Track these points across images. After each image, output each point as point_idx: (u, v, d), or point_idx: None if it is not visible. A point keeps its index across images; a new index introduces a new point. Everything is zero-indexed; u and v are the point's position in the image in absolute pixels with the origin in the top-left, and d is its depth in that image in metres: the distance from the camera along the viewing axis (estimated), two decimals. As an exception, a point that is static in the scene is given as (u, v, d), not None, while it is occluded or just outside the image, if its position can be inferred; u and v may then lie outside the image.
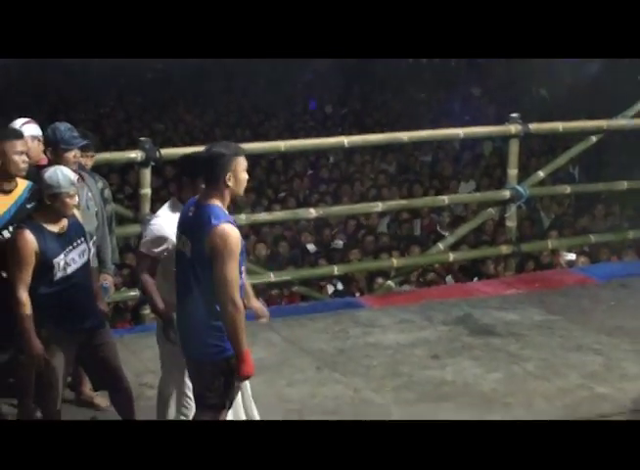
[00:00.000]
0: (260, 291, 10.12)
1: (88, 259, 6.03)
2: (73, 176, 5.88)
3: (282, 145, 9.71)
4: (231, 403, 5.61)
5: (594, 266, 10.89)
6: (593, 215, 13.40)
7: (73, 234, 5.92)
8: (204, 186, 5.49)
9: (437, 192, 13.39)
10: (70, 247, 5.84)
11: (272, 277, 9.23)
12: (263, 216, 10.55)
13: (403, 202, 11.85)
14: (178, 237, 5.51)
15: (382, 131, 11.48)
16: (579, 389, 7.33)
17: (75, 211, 6.12)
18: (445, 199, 11.08)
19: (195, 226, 5.35)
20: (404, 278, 11.01)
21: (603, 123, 10.54)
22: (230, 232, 5.21)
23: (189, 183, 5.75)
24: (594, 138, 10.44)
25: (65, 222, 5.88)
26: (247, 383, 6.10)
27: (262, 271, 9.53)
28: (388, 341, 8.17)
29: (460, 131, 11.01)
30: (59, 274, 5.79)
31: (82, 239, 5.97)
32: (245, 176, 5.39)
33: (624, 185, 11.11)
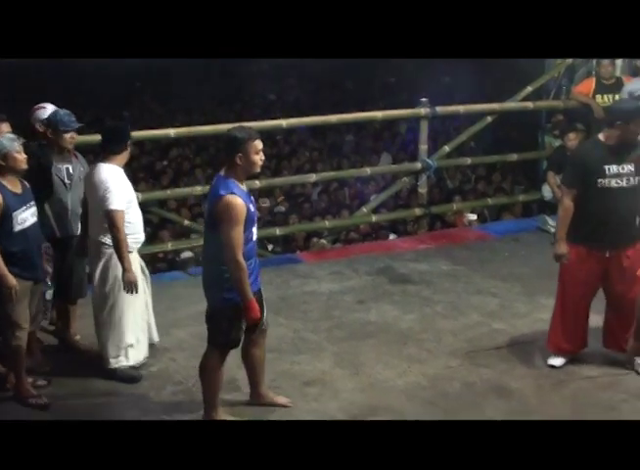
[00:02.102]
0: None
1: (37, 221, 6.00)
2: (15, 137, 5.88)
3: (231, 127, 9.64)
4: (235, 344, 5.63)
5: (491, 224, 10.97)
6: (490, 182, 13.49)
7: (28, 197, 5.92)
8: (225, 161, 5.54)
9: (361, 165, 13.41)
10: (25, 206, 5.84)
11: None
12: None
13: (333, 173, 11.85)
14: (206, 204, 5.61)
15: (314, 115, 11.38)
16: (480, 325, 7.38)
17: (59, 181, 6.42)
18: (368, 170, 11.06)
19: (210, 195, 5.45)
20: (335, 237, 11.04)
21: (496, 106, 10.56)
22: (233, 202, 5.24)
23: (224, 159, 5.66)
24: (489, 118, 10.47)
25: (21, 186, 5.89)
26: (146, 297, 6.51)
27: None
28: (322, 289, 8.17)
29: (379, 114, 10.98)
30: (17, 227, 5.77)
31: (33, 202, 5.96)
32: (257, 157, 5.42)
33: (514, 157, 11.17)
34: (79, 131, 6.85)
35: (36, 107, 6.75)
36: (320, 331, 7.24)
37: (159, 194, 10.07)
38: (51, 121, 6.51)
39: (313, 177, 10.64)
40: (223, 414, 5.74)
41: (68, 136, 6.52)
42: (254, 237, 5.55)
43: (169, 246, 9.48)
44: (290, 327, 6.54)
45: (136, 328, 6.45)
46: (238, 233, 5.25)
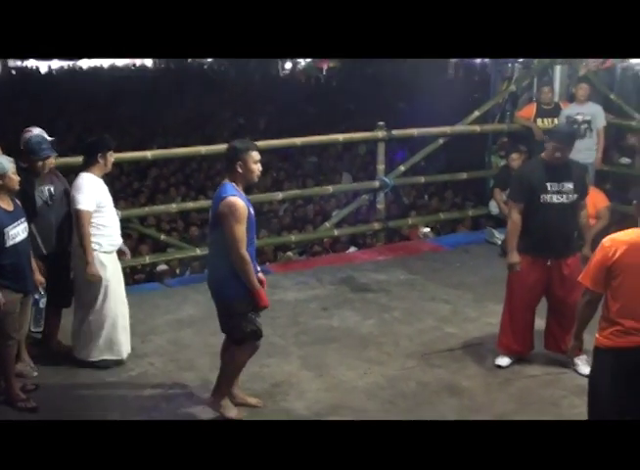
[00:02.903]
0: (190, 262, 10.11)
1: (28, 236, 5.98)
2: (12, 159, 5.89)
3: (203, 149, 9.65)
4: (256, 335, 5.66)
5: (443, 237, 11.02)
6: (443, 198, 13.57)
7: (18, 214, 5.89)
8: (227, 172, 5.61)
9: (324, 183, 13.42)
10: (16, 222, 5.81)
11: (198, 251, 9.16)
12: (191, 205, 10.51)
13: (298, 191, 11.86)
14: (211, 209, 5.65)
15: (280, 138, 11.42)
16: (434, 330, 7.41)
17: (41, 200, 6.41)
18: (330, 188, 11.09)
19: (214, 199, 5.48)
20: (301, 250, 11.06)
21: (447, 129, 10.64)
22: (235, 202, 5.32)
23: (226, 168, 5.70)
24: (441, 140, 10.54)
25: (13, 203, 5.86)
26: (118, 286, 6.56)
27: (190, 247, 9.46)
28: (288, 298, 8.18)
29: (340, 137, 11.04)
30: (9, 242, 5.72)
31: (24, 219, 5.93)
32: (255, 167, 5.52)
33: (464, 175, 11.25)
34: (63, 154, 6.82)
35: (25, 130, 6.62)
36: (287, 336, 7.24)
37: (137, 211, 10.03)
38: (25, 149, 6.45)
39: (280, 195, 10.64)
40: (230, 404, 5.81)
41: (39, 164, 6.45)
42: (254, 242, 5.63)
43: (147, 259, 9.45)
44: (259, 333, 6.56)
45: (116, 324, 6.57)
46: (241, 231, 5.32)
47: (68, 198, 6.56)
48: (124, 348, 6.69)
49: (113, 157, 6.64)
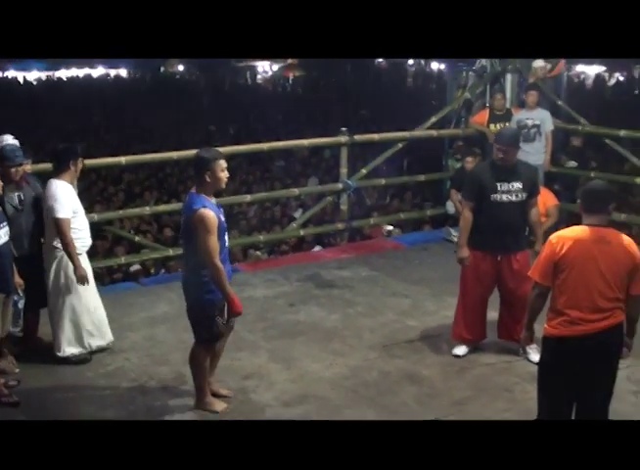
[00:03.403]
0: (165, 261, 10.10)
1: (9, 239, 5.97)
2: None
3: (175, 155, 9.61)
4: (217, 338, 5.68)
5: (404, 236, 11.07)
6: (403, 199, 13.64)
7: (0, 218, 5.88)
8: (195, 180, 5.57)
9: (291, 186, 13.45)
10: None
11: (171, 252, 9.14)
12: (163, 207, 10.48)
13: (266, 194, 11.86)
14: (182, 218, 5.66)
15: (249, 143, 11.44)
16: (395, 323, 7.45)
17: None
18: (296, 191, 11.11)
19: (185, 211, 5.45)
20: (269, 249, 11.07)
21: (406, 134, 10.68)
22: (206, 214, 5.28)
23: (195, 177, 5.66)
24: (400, 144, 10.59)
25: None
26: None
27: (164, 248, 9.44)
28: (257, 295, 8.18)
29: (306, 142, 11.06)
30: None
31: (5, 223, 5.92)
32: (223, 174, 5.45)
33: (422, 177, 11.32)
34: (40, 160, 6.78)
35: None
36: (256, 331, 7.24)
37: (112, 214, 9.99)
38: None
39: (248, 198, 10.64)
40: (212, 399, 5.81)
41: (12, 170, 6.39)
42: (227, 244, 5.62)
43: (123, 260, 9.43)
44: (230, 328, 6.56)
45: (90, 318, 6.61)
46: (213, 241, 5.29)
47: (37, 203, 6.56)
48: (107, 337, 6.78)
49: (82, 164, 6.65)
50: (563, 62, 11.05)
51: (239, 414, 5.74)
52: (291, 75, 43.19)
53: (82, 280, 6.39)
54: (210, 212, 5.30)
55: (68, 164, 6.47)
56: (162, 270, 10.08)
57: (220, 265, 5.33)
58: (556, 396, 4.71)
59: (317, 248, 10.68)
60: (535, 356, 5.92)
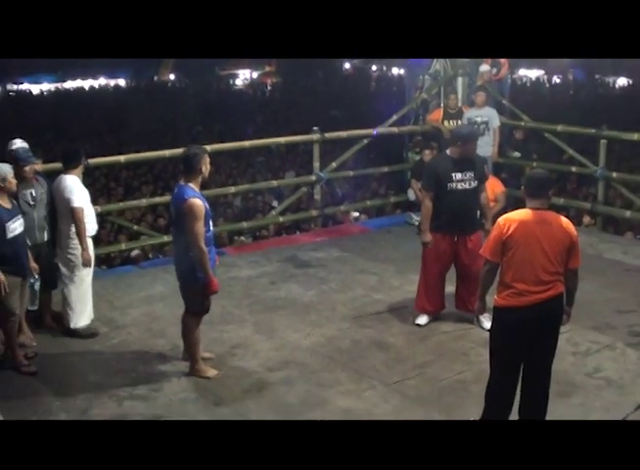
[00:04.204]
0: (162, 247, 10.04)
1: (23, 230, 5.95)
2: (9, 166, 5.92)
3: (167, 153, 9.48)
4: (206, 311, 5.71)
5: (370, 220, 11.07)
6: (369, 188, 13.62)
7: (16, 211, 5.89)
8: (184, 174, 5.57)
9: (271, 179, 13.38)
10: (15, 218, 5.79)
11: (165, 238, 9.06)
12: (158, 200, 10.36)
13: (248, 186, 11.77)
14: (170, 204, 5.66)
15: (232, 141, 11.34)
16: (364, 297, 7.45)
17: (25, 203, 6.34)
18: (275, 183, 11.05)
19: (175, 200, 5.46)
20: (253, 235, 11.02)
21: (371, 131, 10.65)
22: (195, 203, 5.33)
23: (184, 171, 5.65)
24: (365, 141, 10.55)
25: (10, 202, 5.85)
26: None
27: (159, 235, 9.38)
28: (242, 275, 8.13)
29: (282, 139, 10.97)
30: (9, 235, 5.71)
31: (20, 215, 5.92)
32: (208, 167, 5.53)
33: (386, 169, 11.30)
34: (50, 160, 6.77)
35: (10, 142, 6.48)
36: (242, 306, 7.21)
37: (113, 206, 9.90)
38: (11, 156, 6.32)
39: (232, 189, 10.59)
40: (204, 366, 5.81)
41: (27, 168, 6.35)
42: (211, 229, 5.62)
43: (123, 246, 9.38)
44: (218, 304, 6.48)
45: (90, 296, 6.72)
46: (199, 227, 5.33)
47: (47, 198, 6.55)
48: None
49: (86, 162, 6.82)
50: (506, 66, 11.05)
51: (228, 379, 5.72)
52: (269, 81, 42.98)
53: (88, 263, 6.47)
54: (199, 201, 5.36)
55: (76, 162, 6.57)
56: (160, 256, 10.02)
57: (205, 248, 5.36)
58: (506, 357, 4.72)
59: (295, 232, 10.62)
60: (487, 324, 5.93)
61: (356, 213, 11.62)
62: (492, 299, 4.77)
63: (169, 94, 35.02)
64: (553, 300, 4.60)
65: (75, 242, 6.45)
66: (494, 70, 10.78)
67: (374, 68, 44.96)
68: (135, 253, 9.91)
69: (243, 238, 10.68)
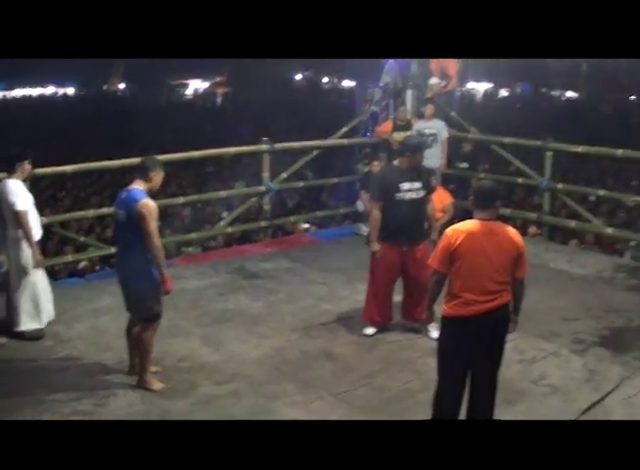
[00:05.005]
0: (107, 259, 9.88)
1: None
2: None
3: (114, 164, 9.36)
4: (159, 316, 5.66)
5: (320, 231, 11.07)
6: (319, 200, 13.62)
7: None
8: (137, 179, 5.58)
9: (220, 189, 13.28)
10: None
11: (112, 250, 8.83)
12: (107, 210, 10.18)
13: (197, 196, 11.69)
14: (115, 210, 5.59)
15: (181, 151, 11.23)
16: (313, 307, 7.42)
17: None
18: (224, 193, 10.97)
19: (126, 204, 5.42)
20: (201, 246, 10.92)
21: (320, 142, 10.67)
22: (150, 204, 5.39)
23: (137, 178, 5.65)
24: (315, 152, 10.56)
25: None
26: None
27: (107, 247, 9.24)
28: (190, 286, 8.02)
29: (231, 149, 10.89)
30: None
31: None
32: (160, 181, 5.64)
33: (336, 180, 11.32)
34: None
35: None
36: (189, 318, 7.12)
37: (60, 217, 9.72)
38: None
39: (181, 200, 10.49)
40: (152, 379, 5.72)
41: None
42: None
43: (70, 258, 9.21)
44: (165, 316, 6.37)
45: (43, 298, 6.65)
46: (155, 226, 5.38)
47: None
48: (46, 315, 6.73)
49: (30, 165, 6.72)
50: (455, 79, 11.17)
51: (175, 392, 5.63)
52: (219, 92, 42.87)
53: (40, 264, 6.54)
54: (152, 202, 5.42)
55: (19, 165, 6.56)
56: (106, 267, 9.87)
57: (161, 246, 5.42)
58: (454, 366, 4.73)
59: (244, 243, 10.54)
60: (435, 333, 5.95)
61: (306, 225, 11.60)
62: (440, 309, 4.78)
63: (119, 103, 34.72)
64: (500, 309, 4.63)
65: (21, 244, 6.43)
66: (443, 83, 10.89)
67: (325, 79, 45.17)
68: (82, 264, 9.76)
69: (191, 249, 10.58)
